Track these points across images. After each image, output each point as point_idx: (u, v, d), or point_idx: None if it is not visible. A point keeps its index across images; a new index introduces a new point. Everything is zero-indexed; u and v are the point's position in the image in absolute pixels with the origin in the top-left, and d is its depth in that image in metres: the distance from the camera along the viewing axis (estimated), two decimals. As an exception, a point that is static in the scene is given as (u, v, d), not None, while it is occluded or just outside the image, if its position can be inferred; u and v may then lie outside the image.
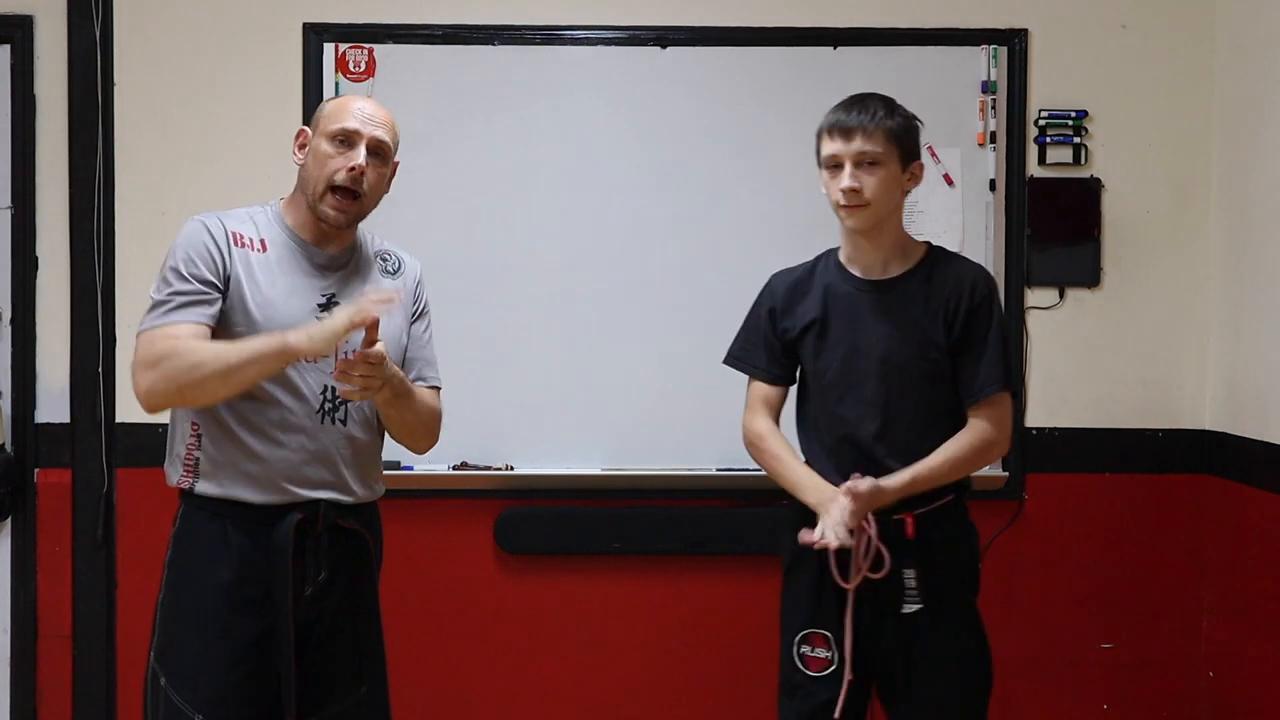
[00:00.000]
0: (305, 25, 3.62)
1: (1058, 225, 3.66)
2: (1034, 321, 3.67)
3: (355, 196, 2.42)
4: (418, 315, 2.63)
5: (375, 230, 3.53)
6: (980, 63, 3.65)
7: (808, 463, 2.67)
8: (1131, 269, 3.68)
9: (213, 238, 2.37)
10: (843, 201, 2.54)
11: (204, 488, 2.39)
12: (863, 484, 2.47)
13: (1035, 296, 3.67)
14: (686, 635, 3.71)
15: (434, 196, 3.62)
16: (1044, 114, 3.65)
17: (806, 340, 2.66)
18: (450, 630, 3.70)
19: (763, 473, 3.60)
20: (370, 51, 3.62)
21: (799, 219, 3.64)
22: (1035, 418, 3.68)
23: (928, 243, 2.72)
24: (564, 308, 3.64)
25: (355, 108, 2.45)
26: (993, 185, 3.65)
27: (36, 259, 3.66)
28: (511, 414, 3.64)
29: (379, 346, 2.30)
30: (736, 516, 3.67)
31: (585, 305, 3.64)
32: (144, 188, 3.64)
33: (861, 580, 2.51)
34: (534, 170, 3.63)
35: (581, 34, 3.65)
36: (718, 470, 3.64)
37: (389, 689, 2.57)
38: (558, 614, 3.70)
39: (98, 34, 3.60)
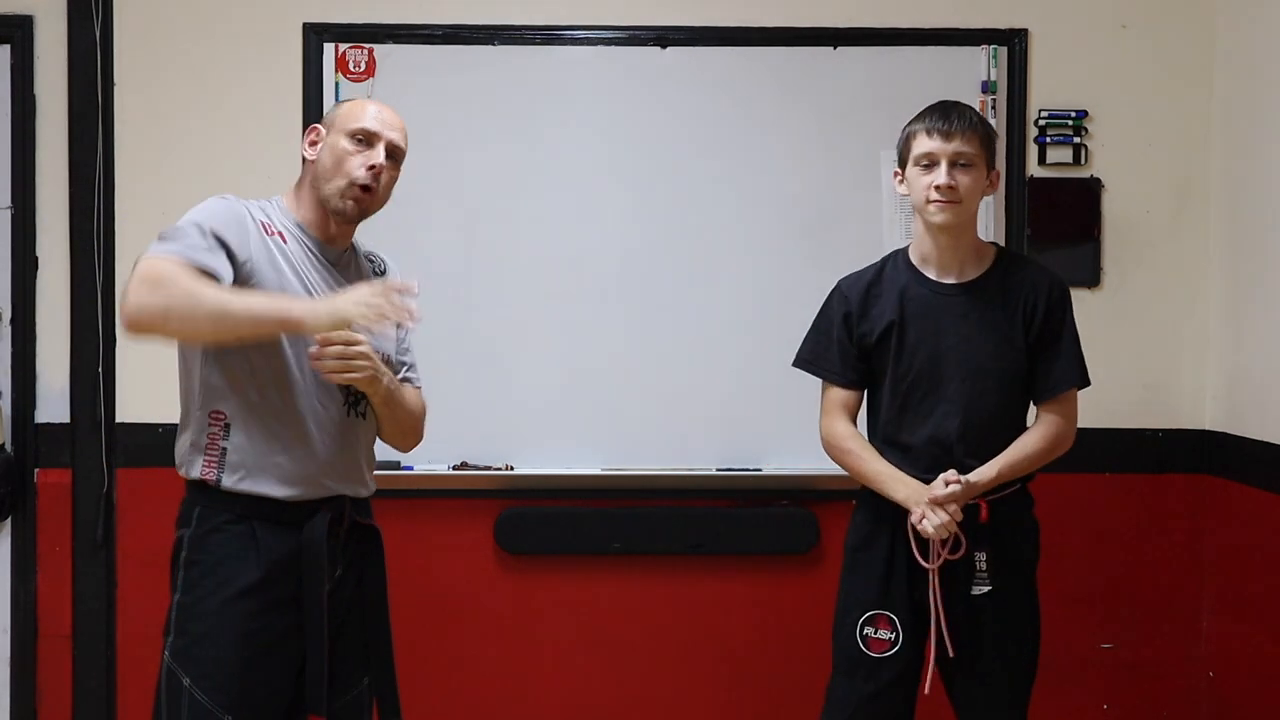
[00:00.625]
0: (305, 25, 3.62)
1: (1058, 225, 3.66)
2: (1034, 321, 3.67)
3: (372, 192, 2.46)
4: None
5: (375, 227, 3.55)
6: (980, 63, 3.65)
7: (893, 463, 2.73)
8: (1131, 269, 3.68)
9: (239, 215, 2.35)
10: (936, 197, 2.62)
11: (231, 482, 2.34)
12: (958, 478, 2.59)
13: (1035, 296, 3.67)
14: (686, 635, 3.71)
15: (434, 196, 3.61)
16: (1044, 114, 3.65)
17: (886, 343, 2.72)
18: (450, 630, 3.70)
19: (762, 472, 3.63)
20: (370, 51, 3.62)
21: (799, 218, 3.64)
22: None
23: (996, 245, 2.81)
24: (564, 308, 3.64)
25: (374, 110, 2.49)
26: (993, 185, 3.65)
27: (36, 259, 3.66)
28: (511, 414, 3.65)
29: (363, 347, 2.33)
30: (736, 516, 3.67)
31: (585, 305, 3.64)
32: (144, 188, 3.64)
33: (942, 562, 2.62)
34: (534, 170, 3.63)
35: (581, 34, 3.65)
36: (718, 470, 3.64)
37: (397, 679, 2.57)
38: (558, 614, 3.71)
39: (98, 34, 3.60)
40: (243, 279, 2.29)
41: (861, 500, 2.80)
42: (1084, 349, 3.63)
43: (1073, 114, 3.66)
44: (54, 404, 3.67)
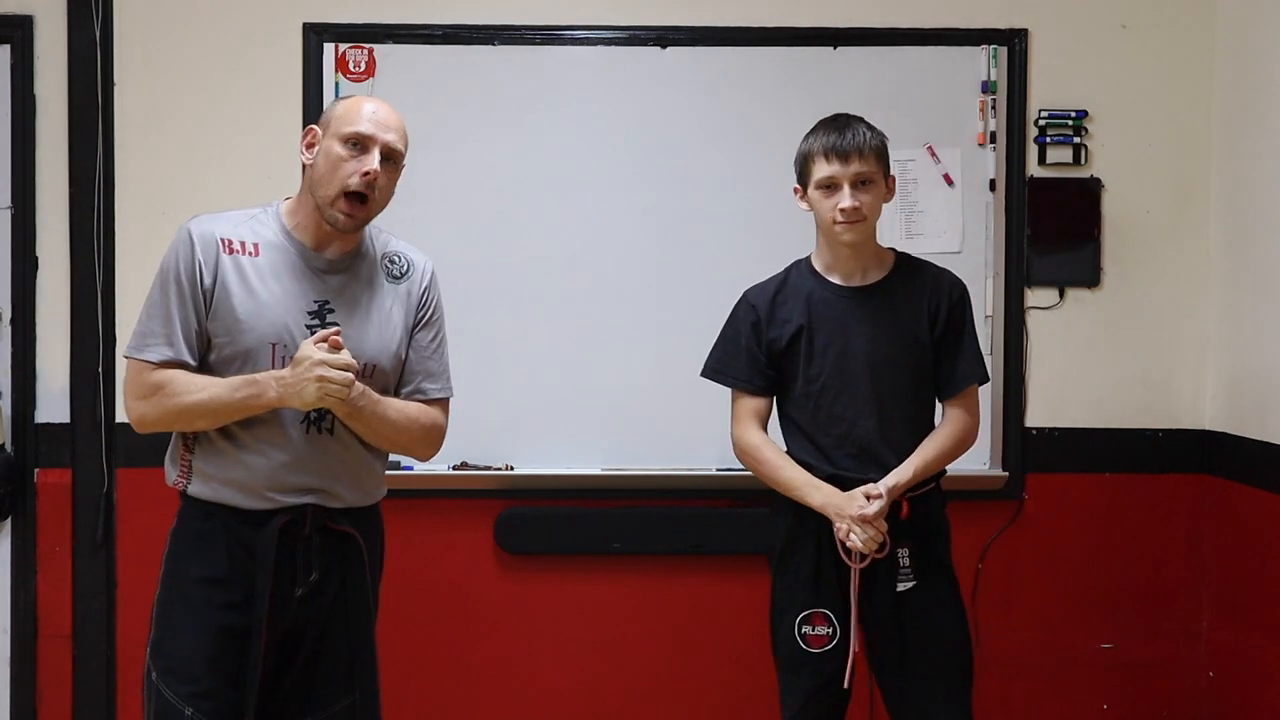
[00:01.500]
0: (305, 25, 3.62)
1: (1058, 225, 3.66)
2: (1034, 321, 3.67)
3: (364, 201, 2.41)
4: (423, 323, 2.58)
5: (377, 225, 3.54)
6: (980, 63, 3.65)
7: (812, 469, 2.76)
8: (1131, 269, 3.68)
9: (194, 251, 2.37)
10: (841, 219, 2.68)
11: (195, 490, 2.42)
12: (877, 489, 2.64)
13: (1035, 296, 3.67)
14: (686, 635, 3.71)
15: (434, 196, 3.61)
16: (1044, 114, 3.65)
17: (795, 347, 2.78)
18: (450, 630, 3.70)
19: (762, 472, 3.62)
20: (370, 51, 3.62)
21: (798, 218, 3.62)
22: (1035, 418, 3.68)
23: (893, 249, 2.85)
24: (564, 308, 3.64)
25: (369, 111, 2.42)
26: (993, 185, 3.65)
27: (36, 259, 3.66)
28: (511, 414, 3.65)
29: (346, 358, 2.32)
30: (736, 516, 3.67)
31: (585, 305, 3.64)
32: (144, 188, 3.64)
33: (869, 561, 2.67)
34: (534, 170, 3.64)
35: (581, 34, 3.65)
36: (718, 470, 3.64)
37: (379, 694, 2.55)
38: (558, 614, 3.71)
39: (98, 34, 3.60)
40: (212, 304, 2.37)
41: (779, 505, 2.83)
42: (1084, 349, 3.68)
43: (1073, 114, 3.66)
44: (54, 404, 3.67)
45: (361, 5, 3.63)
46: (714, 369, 2.90)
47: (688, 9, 3.65)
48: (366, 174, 2.38)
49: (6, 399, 3.66)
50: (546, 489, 3.65)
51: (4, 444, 3.65)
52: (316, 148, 2.43)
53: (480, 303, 3.62)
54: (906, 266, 2.81)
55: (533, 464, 3.64)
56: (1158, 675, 3.72)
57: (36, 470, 3.66)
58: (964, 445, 2.78)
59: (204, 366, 2.39)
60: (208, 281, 2.36)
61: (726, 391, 3.62)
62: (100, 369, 3.63)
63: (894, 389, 2.72)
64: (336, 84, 3.61)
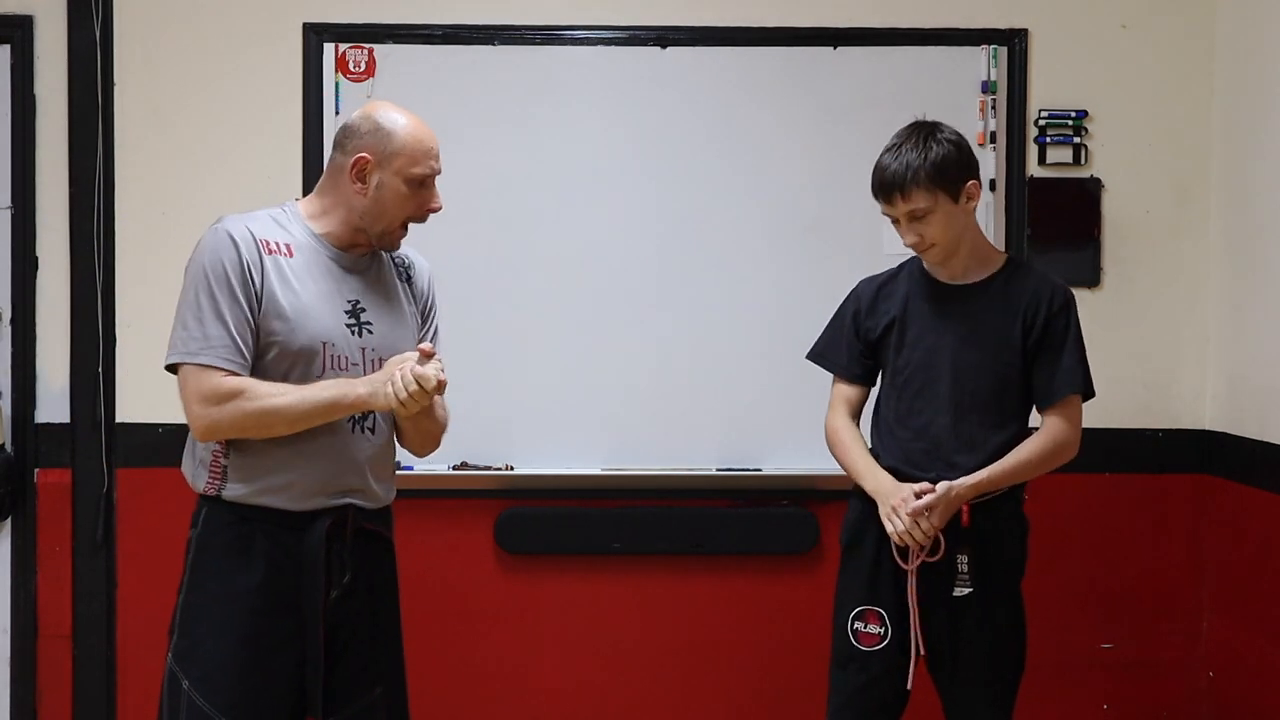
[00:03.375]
0: (305, 25, 3.62)
1: (1058, 225, 3.66)
2: (1034, 321, 3.67)
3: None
4: (429, 321, 2.61)
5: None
6: (980, 63, 3.65)
7: (880, 458, 2.77)
8: (1131, 269, 3.68)
9: (240, 252, 2.32)
10: (912, 250, 2.72)
11: (233, 494, 2.36)
12: (931, 489, 2.61)
13: (1035, 296, 3.67)
14: (686, 635, 3.71)
15: (434, 196, 3.62)
16: (1044, 114, 3.65)
17: (888, 339, 2.80)
18: (450, 630, 3.69)
19: (762, 472, 3.63)
20: (370, 51, 3.62)
21: (798, 218, 3.64)
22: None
23: (1007, 253, 2.87)
24: (564, 307, 3.64)
25: (428, 148, 2.43)
26: (993, 185, 3.64)
27: (36, 259, 3.66)
28: (511, 414, 3.64)
29: (436, 375, 2.32)
30: (736, 516, 3.67)
31: (585, 305, 3.64)
32: (144, 188, 3.64)
33: (920, 563, 2.66)
34: (534, 170, 3.63)
35: (581, 34, 3.65)
36: (718, 470, 3.64)
37: (408, 691, 2.56)
38: (558, 614, 3.70)
39: (98, 34, 3.60)
40: (261, 307, 2.32)
41: (852, 498, 2.84)
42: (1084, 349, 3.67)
43: (1073, 114, 3.66)
44: (54, 404, 3.67)
45: (361, 5, 3.63)
46: (817, 352, 2.94)
47: (688, 9, 3.65)
48: (435, 209, 2.46)
49: (6, 399, 3.66)
50: (546, 489, 3.65)
51: (4, 444, 3.65)
52: (373, 179, 2.39)
53: (480, 302, 3.62)
54: (1011, 270, 2.78)
55: (533, 464, 3.64)
56: (1158, 675, 3.72)
57: (36, 470, 3.66)
58: (1058, 457, 2.71)
59: (255, 370, 2.34)
60: (257, 282, 2.32)
61: (726, 392, 3.64)
62: (100, 369, 3.63)
63: (975, 390, 2.70)
64: (336, 84, 3.61)
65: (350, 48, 3.62)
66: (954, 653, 2.70)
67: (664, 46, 3.64)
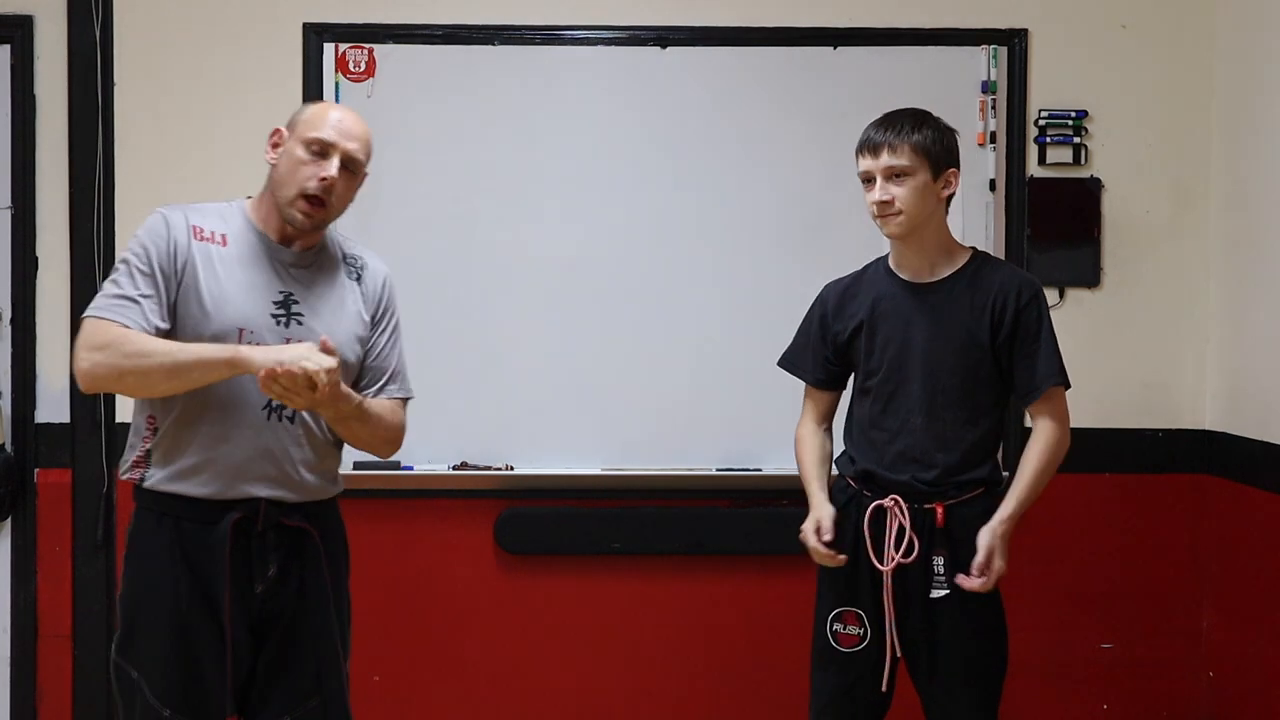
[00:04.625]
0: (305, 25, 3.62)
1: (1058, 225, 3.66)
2: (1034, 321, 3.67)
3: (323, 205, 2.44)
4: (383, 323, 2.60)
5: (376, 226, 3.54)
6: (980, 63, 3.65)
7: (855, 462, 2.77)
8: (1131, 269, 3.68)
9: (170, 230, 2.40)
10: (876, 212, 2.68)
11: (151, 481, 2.41)
12: (987, 538, 2.63)
13: (1035, 296, 3.67)
14: (686, 635, 3.71)
15: (434, 196, 3.62)
16: (1044, 114, 3.65)
17: (857, 342, 2.79)
18: (450, 630, 3.70)
19: (762, 472, 3.64)
20: (370, 51, 3.62)
21: (799, 219, 3.64)
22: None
23: (973, 248, 2.81)
24: (564, 308, 3.64)
25: (333, 119, 2.45)
26: (993, 185, 3.65)
27: (36, 259, 3.66)
28: (511, 414, 3.65)
29: (321, 370, 2.27)
30: (736, 516, 3.67)
31: (585, 305, 3.64)
32: (144, 188, 3.64)
33: (895, 565, 2.65)
34: (534, 170, 3.63)
35: (581, 34, 3.65)
36: (718, 470, 3.64)
37: (346, 687, 2.53)
38: (558, 614, 3.70)
39: (98, 34, 3.60)
40: (181, 286, 2.38)
41: (831, 499, 2.83)
42: (1084, 349, 3.67)
43: (1073, 114, 3.66)
44: (54, 404, 3.67)
45: (361, 5, 3.63)
46: (786, 359, 2.94)
47: (688, 9, 3.65)
48: (324, 179, 2.41)
49: (6, 399, 3.66)
50: (546, 489, 3.65)
51: (4, 444, 3.65)
52: (281, 149, 2.47)
53: (480, 302, 3.63)
54: (978, 265, 2.75)
55: (533, 464, 3.64)
56: (1158, 675, 3.72)
57: (36, 470, 3.66)
58: (1058, 456, 2.71)
59: None
60: (180, 263, 2.38)
61: (726, 392, 3.65)
62: (100, 369, 3.62)
63: (947, 390, 2.68)
64: (336, 84, 3.61)
65: (350, 48, 3.62)
66: (932, 654, 2.68)
67: (664, 46, 3.64)
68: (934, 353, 2.69)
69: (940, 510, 2.65)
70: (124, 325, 2.32)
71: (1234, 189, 3.57)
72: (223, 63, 3.63)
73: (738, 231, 3.64)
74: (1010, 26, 3.65)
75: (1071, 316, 3.67)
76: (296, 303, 2.44)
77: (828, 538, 2.69)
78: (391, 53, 3.62)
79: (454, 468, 3.63)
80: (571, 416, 3.65)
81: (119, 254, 2.43)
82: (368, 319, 2.55)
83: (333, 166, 2.42)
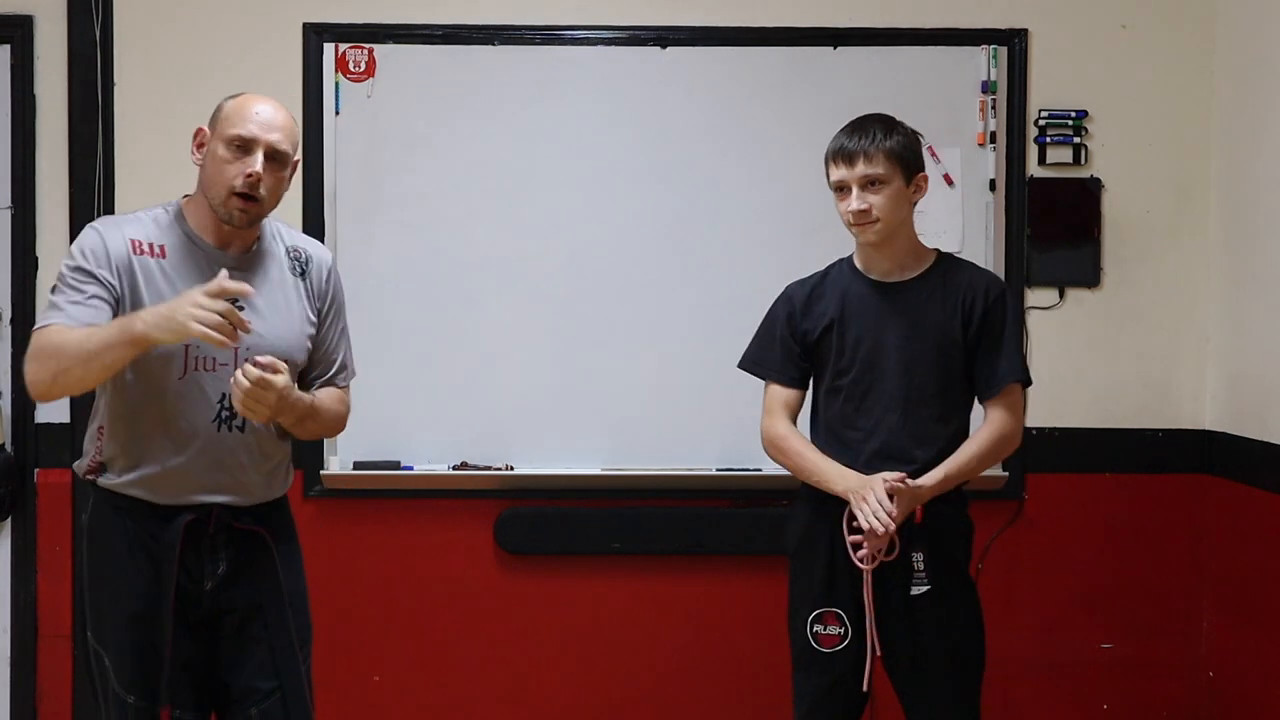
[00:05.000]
0: (305, 25, 3.62)
1: (1058, 225, 3.66)
2: (1034, 321, 3.67)
3: (254, 200, 2.43)
4: (329, 313, 2.60)
5: (376, 226, 3.54)
6: (980, 63, 3.65)
7: None
8: (1131, 269, 3.68)
9: (107, 244, 2.40)
10: (853, 221, 2.70)
11: (106, 482, 2.46)
12: (900, 480, 2.62)
13: (1035, 296, 3.67)
14: (686, 635, 3.71)
15: (433, 196, 3.62)
16: (1044, 114, 3.65)
17: (827, 340, 2.78)
18: (450, 630, 3.70)
19: (762, 472, 3.62)
20: (370, 51, 3.62)
21: (798, 218, 3.64)
22: (1035, 418, 3.67)
23: (937, 250, 2.83)
24: (564, 307, 3.64)
25: (253, 113, 2.45)
26: (993, 185, 3.65)
27: (36, 259, 3.66)
28: (511, 414, 3.64)
29: (279, 378, 2.30)
30: (736, 516, 3.67)
31: (585, 305, 3.64)
32: (144, 188, 3.63)
33: (877, 563, 2.66)
34: (534, 170, 3.63)
35: (581, 34, 3.65)
36: (718, 470, 3.64)
37: (303, 685, 2.55)
38: (558, 614, 3.70)
39: (98, 34, 3.60)
40: (123, 304, 2.38)
41: (798, 502, 2.84)
42: (1084, 349, 3.68)
43: (1073, 114, 3.66)
44: (54, 404, 3.67)
45: (361, 5, 3.63)
46: (750, 359, 2.92)
47: (688, 9, 3.65)
48: (249, 176, 2.40)
49: (6, 399, 3.66)
50: (546, 489, 3.65)
51: (4, 444, 3.65)
52: (205, 148, 2.47)
53: (480, 302, 3.63)
54: (946, 265, 2.79)
55: (533, 464, 3.64)
56: (1158, 675, 3.72)
57: (36, 470, 3.66)
58: (1005, 448, 2.74)
59: (126, 370, 2.40)
60: (121, 276, 2.39)
61: (726, 392, 3.63)
62: (100, 369, 3.62)
63: (923, 387, 2.70)
64: (336, 84, 3.61)
65: (350, 48, 3.62)
66: (914, 650, 2.70)
67: (664, 46, 3.64)
68: (910, 350, 2.71)
69: (920, 507, 2.65)
70: (50, 327, 2.34)
71: (1234, 189, 3.57)
72: (223, 63, 3.62)
73: (738, 231, 3.64)
74: (1010, 26, 3.65)
75: (1071, 316, 3.68)
76: (241, 308, 2.41)
77: (892, 484, 2.60)
78: (391, 53, 3.62)
79: (454, 468, 3.63)
80: (571, 416, 3.65)
81: (60, 269, 2.43)
82: (315, 314, 2.56)
83: (257, 162, 2.41)
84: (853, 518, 2.65)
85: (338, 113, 3.60)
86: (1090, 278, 3.67)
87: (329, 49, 3.61)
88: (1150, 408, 3.69)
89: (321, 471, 3.60)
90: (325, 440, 3.56)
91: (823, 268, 2.88)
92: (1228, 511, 3.58)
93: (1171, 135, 3.68)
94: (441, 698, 3.70)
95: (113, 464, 2.44)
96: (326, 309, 2.59)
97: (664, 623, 3.71)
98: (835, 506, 2.70)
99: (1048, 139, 3.65)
